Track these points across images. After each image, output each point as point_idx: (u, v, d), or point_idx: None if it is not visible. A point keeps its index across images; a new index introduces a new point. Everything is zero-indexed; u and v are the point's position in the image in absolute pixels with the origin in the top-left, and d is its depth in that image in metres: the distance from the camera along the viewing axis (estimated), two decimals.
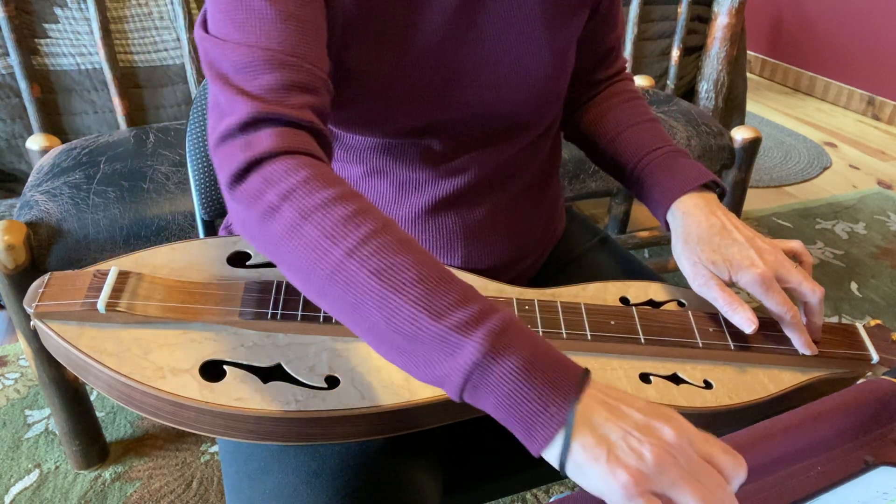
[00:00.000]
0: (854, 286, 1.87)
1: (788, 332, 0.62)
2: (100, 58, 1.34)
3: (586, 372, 0.42)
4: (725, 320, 0.64)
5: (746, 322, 0.62)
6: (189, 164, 0.84)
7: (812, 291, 0.61)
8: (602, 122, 0.77)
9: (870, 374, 0.63)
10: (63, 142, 1.32)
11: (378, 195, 0.67)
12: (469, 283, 0.65)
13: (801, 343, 0.61)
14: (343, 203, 0.44)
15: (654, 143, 0.73)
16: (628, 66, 1.75)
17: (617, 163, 0.75)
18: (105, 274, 0.58)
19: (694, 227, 0.66)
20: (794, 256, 0.66)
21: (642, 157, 0.72)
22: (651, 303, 0.67)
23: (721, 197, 0.70)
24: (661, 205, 0.69)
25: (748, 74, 3.38)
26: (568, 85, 0.73)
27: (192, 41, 1.40)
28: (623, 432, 0.39)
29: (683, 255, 0.66)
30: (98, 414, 1.36)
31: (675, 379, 0.59)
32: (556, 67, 0.66)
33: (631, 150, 0.73)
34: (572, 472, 0.39)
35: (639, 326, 0.62)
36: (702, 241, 0.65)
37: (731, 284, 0.63)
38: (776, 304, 0.61)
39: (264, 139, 0.46)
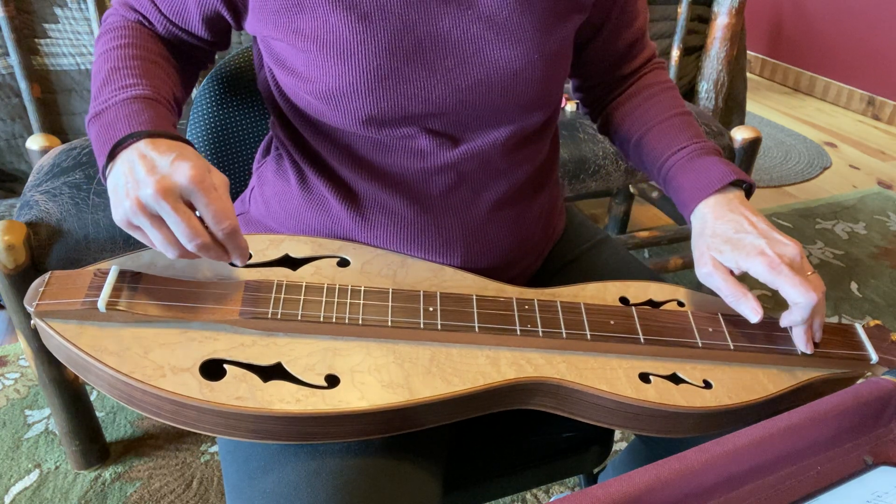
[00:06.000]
0: (854, 286, 1.87)
1: (795, 319, 0.61)
2: None
3: (135, 135, 0.56)
4: (725, 320, 0.64)
5: (751, 311, 0.61)
6: None
7: (801, 294, 0.59)
8: (629, 121, 0.77)
9: (869, 374, 0.63)
10: (63, 142, 1.32)
11: (375, 196, 0.67)
12: (467, 282, 0.65)
13: (800, 337, 0.61)
14: (125, 48, 0.66)
15: (678, 142, 0.72)
16: None
17: (645, 165, 0.76)
18: (105, 273, 0.58)
19: (710, 222, 0.66)
20: None
21: (667, 159, 0.72)
22: (651, 303, 0.67)
23: (749, 192, 0.70)
24: (687, 207, 0.70)
25: (748, 74, 3.38)
26: (565, 85, 0.72)
27: None
28: (125, 179, 0.54)
29: (695, 247, 0.66)
30: (98, 414, 1.36)
31: (675, 379, 0.59)
32: (545, 70, 0.64)
33: (656, 152, 0.73)
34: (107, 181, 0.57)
35: (638, 326, 0.62)
36: (716, 234, 0.64)
37: (741, 277, 0.63)
38: (790, 287, 0.59)
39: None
